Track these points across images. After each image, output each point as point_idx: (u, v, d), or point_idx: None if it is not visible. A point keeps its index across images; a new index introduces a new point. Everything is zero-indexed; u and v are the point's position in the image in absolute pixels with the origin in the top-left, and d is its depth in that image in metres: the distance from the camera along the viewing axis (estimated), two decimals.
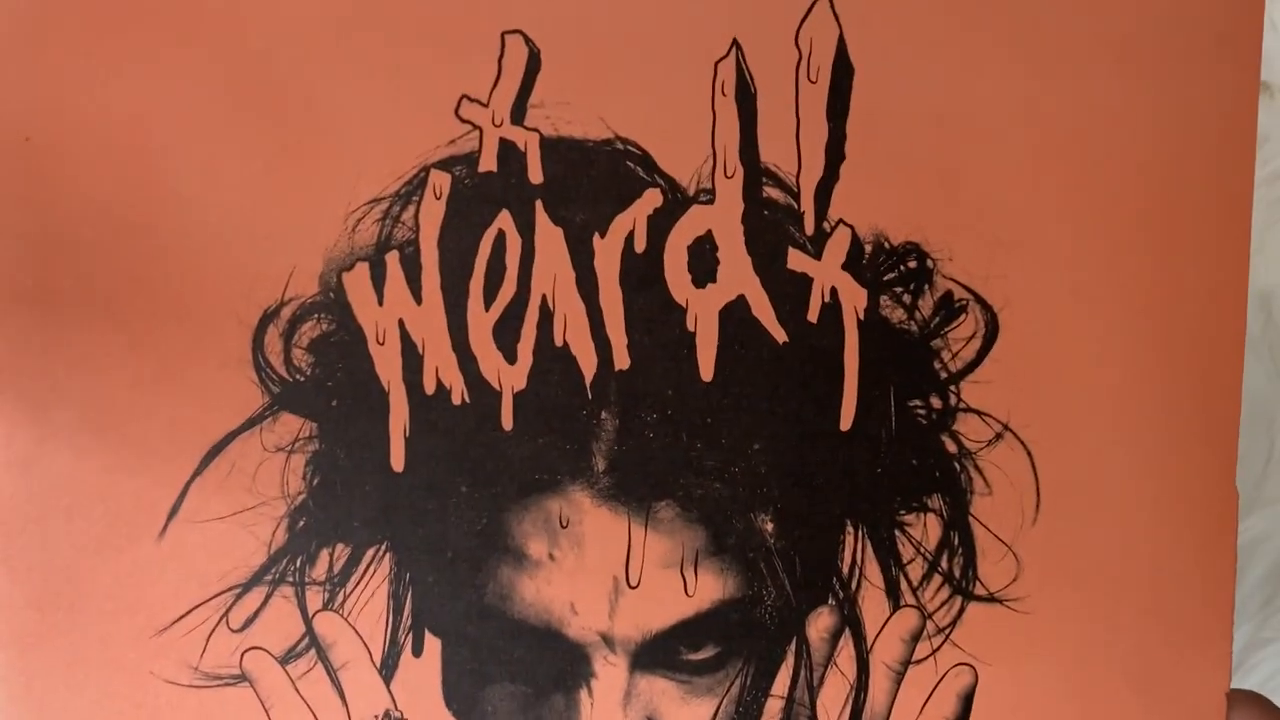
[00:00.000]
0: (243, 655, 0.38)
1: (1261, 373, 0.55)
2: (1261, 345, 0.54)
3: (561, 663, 0.38)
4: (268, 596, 0.38)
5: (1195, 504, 0.37)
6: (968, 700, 0.38)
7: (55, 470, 0.37)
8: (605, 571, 0.37)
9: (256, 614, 0.38)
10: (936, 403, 0.37)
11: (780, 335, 0.37)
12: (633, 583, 0.37)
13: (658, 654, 0.38)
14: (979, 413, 0.37)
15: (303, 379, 0.37)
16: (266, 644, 0.38)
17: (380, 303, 0.37)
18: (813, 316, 0.37)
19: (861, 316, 0.37)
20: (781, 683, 0.38)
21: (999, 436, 0.37)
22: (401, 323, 0.37)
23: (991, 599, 0.38)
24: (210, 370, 0.37)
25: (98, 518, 0.37)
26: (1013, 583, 0.37)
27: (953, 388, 0.37)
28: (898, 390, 0.37)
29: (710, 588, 0.38)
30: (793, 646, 0.38)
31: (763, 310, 0.37)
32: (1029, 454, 0.37)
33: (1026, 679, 0.38)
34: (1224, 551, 0.37)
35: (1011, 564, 0.37)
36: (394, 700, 0.38)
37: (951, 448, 0.37)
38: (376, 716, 0.38)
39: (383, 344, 0.37)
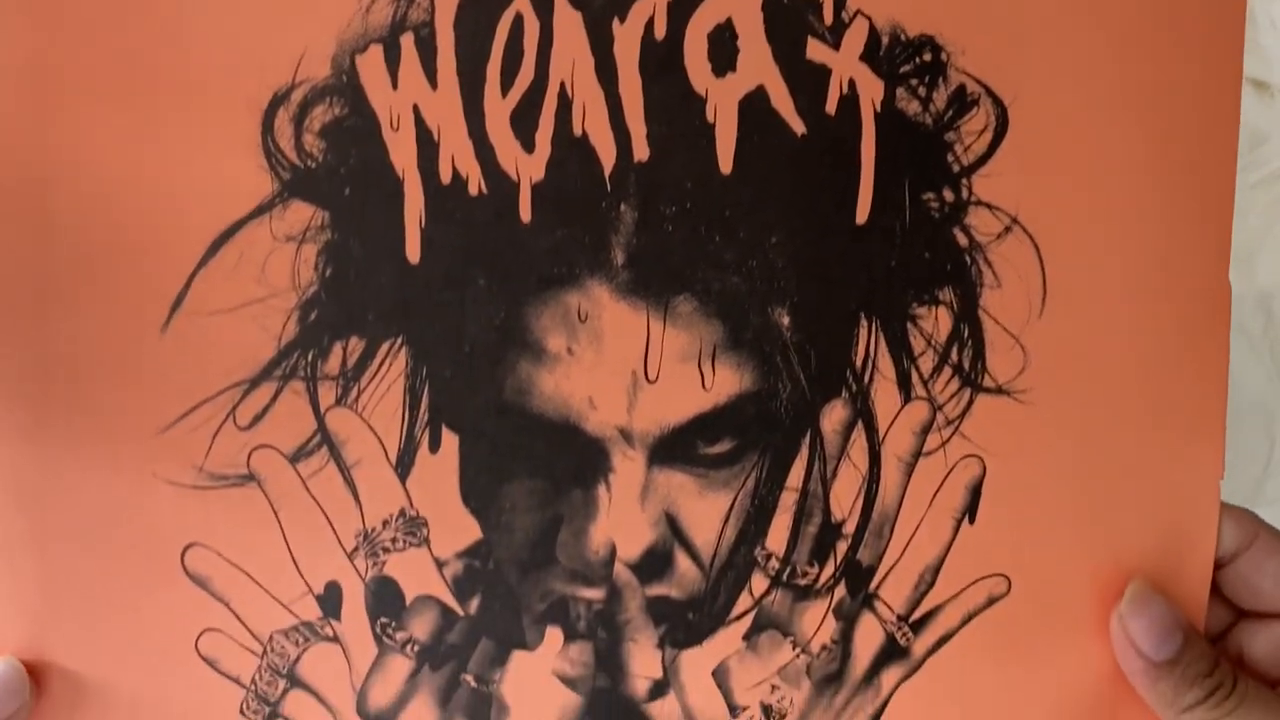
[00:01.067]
0: (250, 454, 0.37)
1: (1261, 373, 0.54)
2: (1262, 345, 0.54)
3: (580, 458, 0.37)
4: (277, 392, 0.37)
5: (1190, 297, 0.39)
6: (976, 491, 0.39)
7: (53, 257, 0.35)
8: (624, 366, 0.37)
9: (265, 411, 0.37)
10: (949, 196, 0.38)
11: (799, 127, 0.37)
12: (651, 377, 0.37)
13: (675, 448, 0.38)
14: (989, 206, 0.38)
15: (314, 165, 0.36)
16: (275, 442, 0.37)
17: (394, 87, 0.36)
18: (830, 108, 0.37)
19: (878, 109, 0.37)
20: (796, 475, 0.38)
21: (1008, 230, 0.38)
22: (416, 108, 0.36)
23: (999, 391, 0.38)
24: (218, 155, 0.36)
25: (97, 308, 0.36)
26: (1020, 375, 0.38)
27: (964, 181, 0.38)
28: (912, 183, 0.38)
29: (727, 382, 0.38)
30: (807, 440, 0.38)
31: (782, 101, 0.37)
32: (1036, 247, 0.38)
33: (1031, 470, 0.39)
34: (1218, 344, 0.39)
35: (1019, 356, 0.38)
36: (410, 498, 0.37)
37: (963, 241, 0.38)
38: (391, 515, 0.37)
39: (397, 130, 0.36)
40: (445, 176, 0.36)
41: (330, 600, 0.37)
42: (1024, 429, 0.39)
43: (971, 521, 0.39)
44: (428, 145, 0.36)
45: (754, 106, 0.37)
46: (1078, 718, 0.39)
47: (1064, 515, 0.39)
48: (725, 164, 0.37)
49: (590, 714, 0.38)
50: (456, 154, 0.36)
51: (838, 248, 0.38)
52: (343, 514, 0.37)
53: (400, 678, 0.38)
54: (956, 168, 0.38)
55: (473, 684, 0.38)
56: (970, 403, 0.38)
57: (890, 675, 0.39)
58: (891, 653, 0.39)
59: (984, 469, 0.39)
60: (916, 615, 0.39)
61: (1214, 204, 0.39)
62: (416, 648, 0.38)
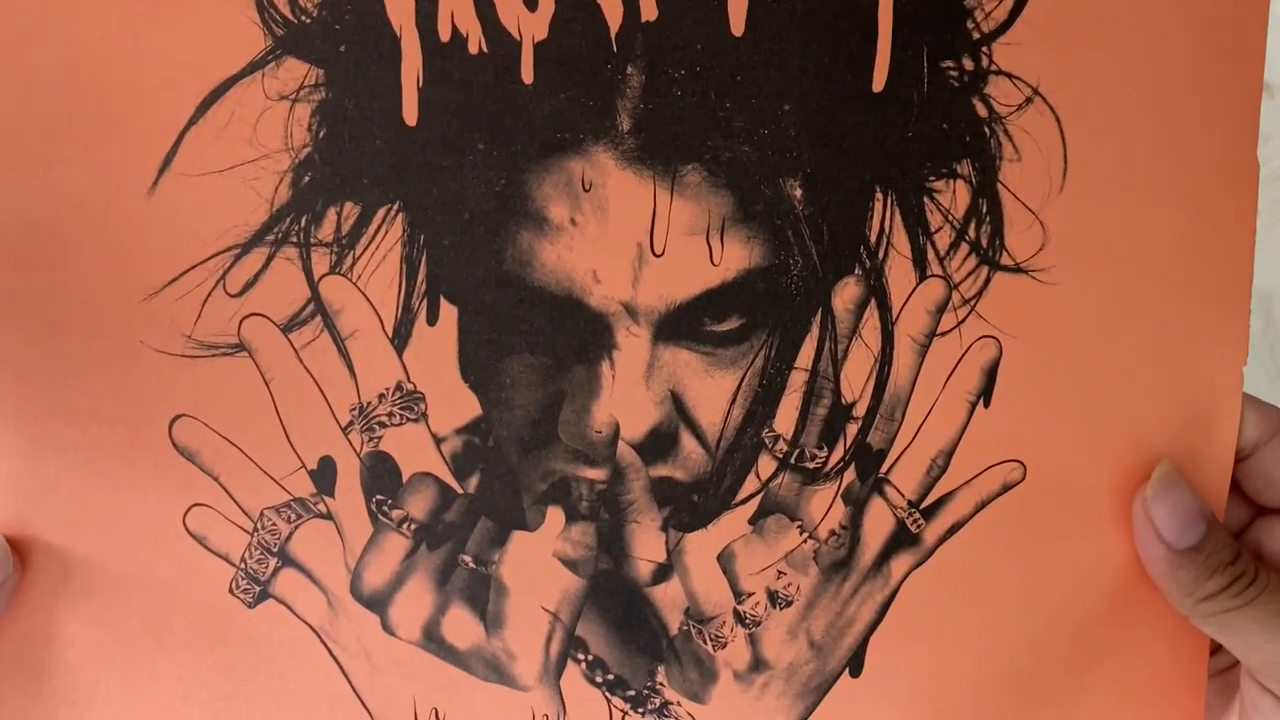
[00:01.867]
0: (241, 322, 0.35)
1: (1261, 373, 0.54)
2: (1262, 345, 0.54)
3: (583, 333, 0.36)
4: (269, 258, 0.35)
5: (1217, 176, 0.37)
6: (991, 374, 0.37)
7: (33, 111, 0.34)
8: (629, 238, 0.36)
9: (257, 277, 0.35)
10: (968, 64, 0.36)
11: None
12: (657, 250, 0.36)
13: (681, 325, 0.36)
14: (1010, 75, 0.36)
15: (309, 20, 0.35)
16: (267, 310, 0.35)
17: None
18: None
19: None
20: (806, 355, 0.37)
21: (1029, 101, 0.37)
22: None
23: (1018, 269, 0.37)
24: (208, 7, 0.34)
25: (81, 168, 0.34)
26: (1039, 252, 0.37)
27: (984, 49, 0.36)
28: (930, 50, 0.36)
29: (736, 256, 0.36)
30: (818, 318, 0.37)
31: None
32: (1058, 120, 0.37)
33: (1049, 352, 0.37)
34: (1244, 224, 0.37)
35: (1038, 233, 0.37)
36: (406, 371, 0.36)
37: (982, 112, 0.37)
38: (388, 389, 0.36)
39: None
40: (444, 34, 0.35)
41: (324, 476, 0.36)
42: (1042, 309, 0.37)
43: (986, 405, 0.37)
44: (426, 1, 0.35)
45: None
46: (1092, 608, 0.38)
47: (1082, 399, 0.38)
48: (737, 25, 0.35)
49: (592, 597, 0.37)
50: (456, 10, 0.35)
51: (853, 116, 0.36)
52: (337, 387, 0.36)
53: (396, 557, 0.37)
54: (976, 35, 0.36)
55: (471, 565, 0.37)
56: (987, 281, 0.37)
57: (900, 563, 0.38)
58: (902, 540, 0.38)
59: (1000, 350, 0.37)
60: (928, 501, 0.38)
61: (1243, 77, 0.37)
62: (413, 526, 0.36)
